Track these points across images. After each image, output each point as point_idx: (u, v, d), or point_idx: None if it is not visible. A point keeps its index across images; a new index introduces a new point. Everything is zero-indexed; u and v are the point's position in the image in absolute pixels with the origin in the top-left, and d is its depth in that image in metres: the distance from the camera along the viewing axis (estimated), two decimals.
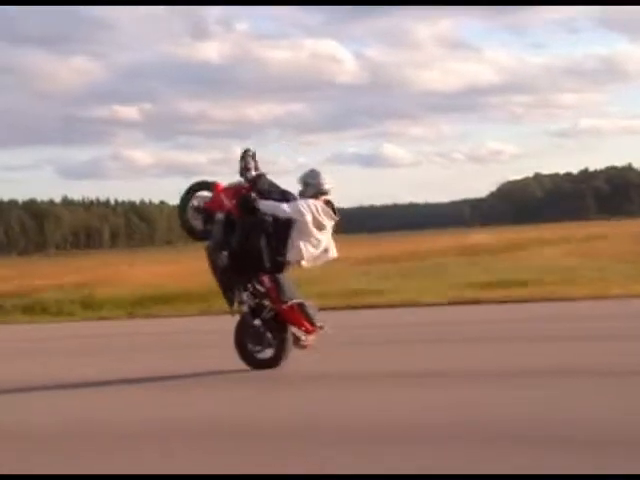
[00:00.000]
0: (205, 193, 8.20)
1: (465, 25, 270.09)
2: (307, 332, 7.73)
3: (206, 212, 8.03)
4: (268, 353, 7.80)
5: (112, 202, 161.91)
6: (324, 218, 7.70)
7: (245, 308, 7.77)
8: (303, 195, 7.78)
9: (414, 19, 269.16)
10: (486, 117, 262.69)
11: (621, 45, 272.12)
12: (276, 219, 7.63)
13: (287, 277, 7.88)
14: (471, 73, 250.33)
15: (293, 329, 7.78)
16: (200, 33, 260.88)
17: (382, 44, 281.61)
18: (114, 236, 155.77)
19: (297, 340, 7.79)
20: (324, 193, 7.77)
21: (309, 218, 7.59)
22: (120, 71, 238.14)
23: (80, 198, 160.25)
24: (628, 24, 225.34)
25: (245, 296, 7.77)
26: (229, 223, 7.78)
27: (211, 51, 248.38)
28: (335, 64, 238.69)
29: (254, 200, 7.69)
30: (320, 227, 7.68)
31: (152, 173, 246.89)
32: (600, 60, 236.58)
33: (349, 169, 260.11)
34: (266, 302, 7.74)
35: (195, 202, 8.21)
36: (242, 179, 7.94)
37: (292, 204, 7.68)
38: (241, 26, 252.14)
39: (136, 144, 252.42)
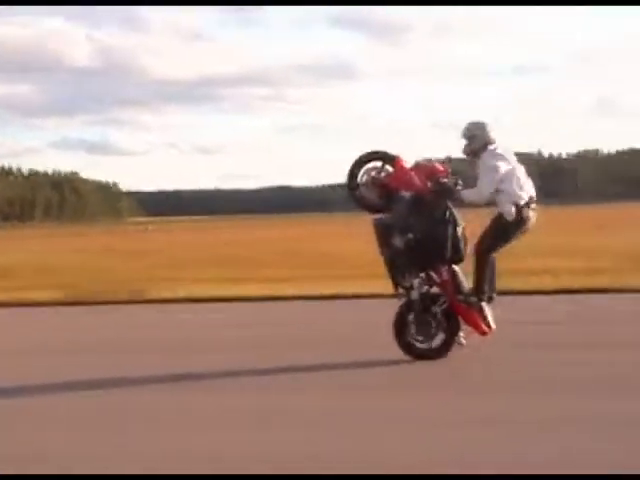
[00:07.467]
0: (377, 164, 7.60)
1: None
2: (482, 334, 7.30)
3: (385, 187, 7.48)
4: (432, 344, 7.30)
5: None
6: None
7: (415, 295, 7.33)
8: (469, 147, 7.38)
9: None
10: None
11: None
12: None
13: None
14: None
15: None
16: None
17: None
18: None
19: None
20: (491, 143, 7.30)
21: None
22: None
23: None
24: None
25: (417, 282, 7.33)
26: (415, 204, 7.28)
27: None
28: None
29: (457, 190, 7.32)
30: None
31: None
32: None
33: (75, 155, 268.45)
34: (438, 293, 7.35)
35: (373, 173, 7.59)
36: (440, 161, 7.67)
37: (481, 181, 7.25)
38: None
39: None
